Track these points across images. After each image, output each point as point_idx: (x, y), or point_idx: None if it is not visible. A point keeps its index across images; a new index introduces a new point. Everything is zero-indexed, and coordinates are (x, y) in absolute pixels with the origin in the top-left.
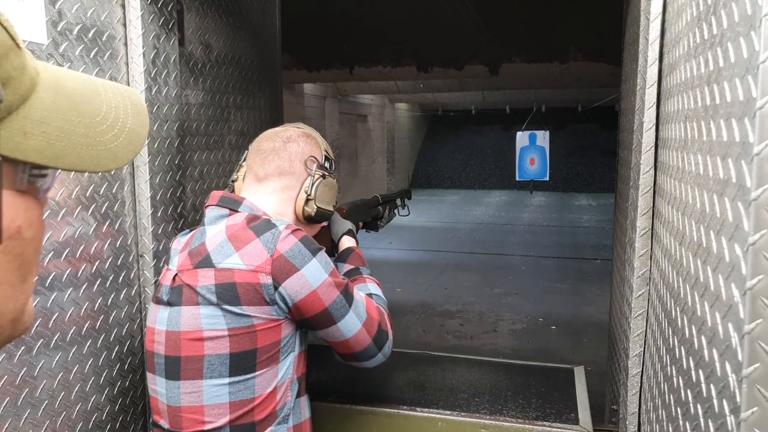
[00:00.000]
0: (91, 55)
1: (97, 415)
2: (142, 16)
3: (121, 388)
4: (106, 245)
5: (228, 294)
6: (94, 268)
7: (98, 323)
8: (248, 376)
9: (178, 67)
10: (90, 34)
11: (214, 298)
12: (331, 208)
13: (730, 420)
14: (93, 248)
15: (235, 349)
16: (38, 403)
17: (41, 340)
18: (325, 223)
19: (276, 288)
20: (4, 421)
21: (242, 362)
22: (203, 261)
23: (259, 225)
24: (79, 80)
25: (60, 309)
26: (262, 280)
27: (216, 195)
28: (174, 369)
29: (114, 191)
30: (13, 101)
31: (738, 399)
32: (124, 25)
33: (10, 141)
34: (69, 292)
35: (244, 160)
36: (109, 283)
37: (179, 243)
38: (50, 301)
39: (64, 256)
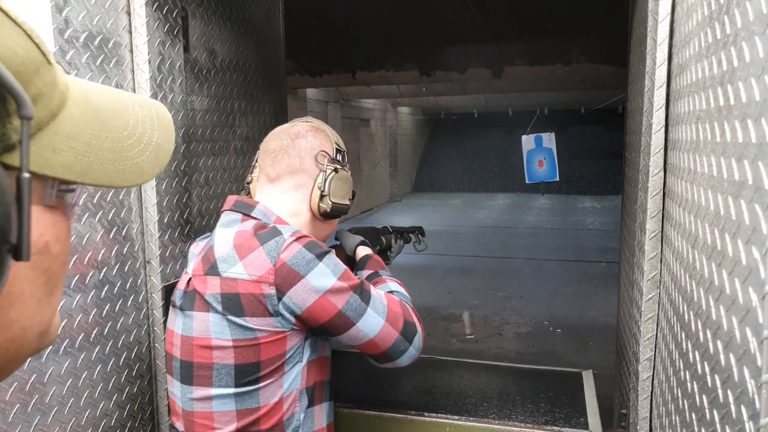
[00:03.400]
0: (98, 63)
1: (106, 421)
2: (147, 23)
3: (130, 394)
4: (114, 251)
5: (232, 304)
6: (102, 274)
7: (106, 329)
8: (252, 387)
9: (183, 74)
10: (96, 42)
11: (220, 308)
12: (348, 202)
13: (749, 426)
14: (100, 255)
15: (240, 361)
16: (48, 410)
17: (50, 347)
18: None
19: (280, 299)
20: (14, 427)
21: (246, 374)
22: (211, 268)
23: (265, 233)
24: (108, 95)
25: (68, 315)
26: (265, 291)
27: (231, 199)
28: (188, 374)
29: (120, 198)
30: (44, 117)
31: (757, 405)
32: (130, 32)
33: (39, 157)
34: (77, 299)
35: (257, 161)
36: (116, 289)
37: (197, 246)
38: (59, 308)
39: (72, 262)
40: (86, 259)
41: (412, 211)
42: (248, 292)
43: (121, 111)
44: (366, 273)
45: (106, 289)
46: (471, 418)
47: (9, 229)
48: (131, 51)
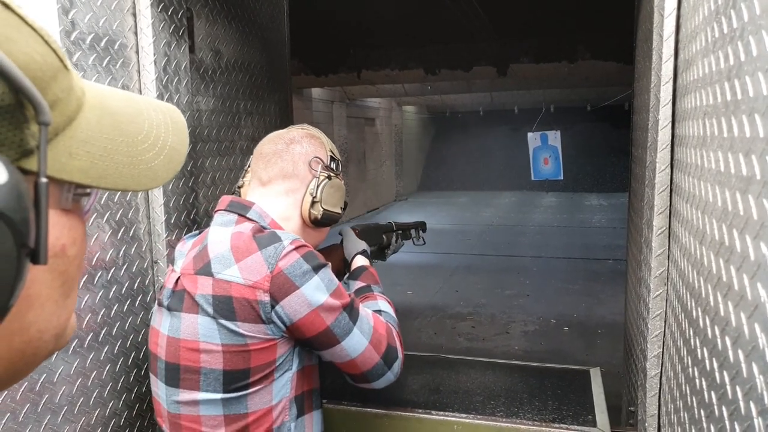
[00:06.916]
0: (104, 64)
1: (115, 420)
2: (153, 24)
3: (138, 394)
4: (121, 252)
5: (224, 308)
6: (110, 274)
7: (114, 329)
8: (240, 393)
9: (188, 74)
10: (102, 43)
11: (210, 310)
12: (339, 210)
13: (758, 422)
14: (108, 255)
15: (228, 367)
16: (58, 409)
17: None
18: (333, 232)
19: (273, 307)
20: (25, 427)
21: (235, 380)
22: (204, 268)
23: (264, 237)
24: (123, 99)
25: (77, 315)
26: (259, 297)
27: (225, 199)
28: (174, 376)
29: (128, 198)
30: (60, 123)
31: (766, 401)
32: (136, 33)
33: (56, 162)
34: (86, 299)
35: (249, 165)
36: (124, 289)
37: (185, 245)
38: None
39: None
40: (94, 259)
41: (418, 210)
42: (242, 297)
43: (136, 115)
44: (358, 285)
45: (114, 289)
46: (479, 416)
47: (27, 233)
48: (137, 52)
